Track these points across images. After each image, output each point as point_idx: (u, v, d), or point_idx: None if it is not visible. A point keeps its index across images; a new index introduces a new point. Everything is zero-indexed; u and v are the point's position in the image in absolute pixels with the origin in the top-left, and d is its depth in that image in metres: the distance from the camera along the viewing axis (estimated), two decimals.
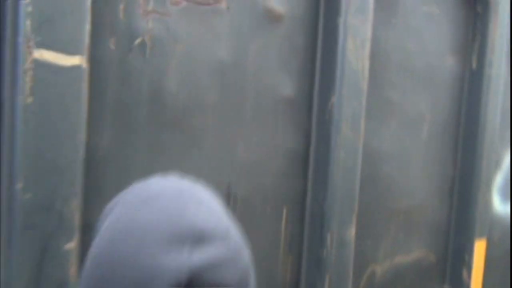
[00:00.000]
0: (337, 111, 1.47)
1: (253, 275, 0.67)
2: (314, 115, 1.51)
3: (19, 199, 0.95)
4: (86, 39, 1.00)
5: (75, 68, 0.99)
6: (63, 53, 0.97)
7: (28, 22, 0.93)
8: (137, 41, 1.16)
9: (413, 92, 1.78)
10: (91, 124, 1.06)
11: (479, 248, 2.06)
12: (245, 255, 0.65)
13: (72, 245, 1.02)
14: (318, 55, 1.50)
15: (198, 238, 0.58)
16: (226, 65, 1.31)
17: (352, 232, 1.54)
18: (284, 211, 1.50)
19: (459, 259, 1.99)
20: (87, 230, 1.06)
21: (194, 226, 0.59)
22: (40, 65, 0.95)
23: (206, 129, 1.29)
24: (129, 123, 1.15)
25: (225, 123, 1.33)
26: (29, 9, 0.92)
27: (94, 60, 1.09)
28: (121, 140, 1.13)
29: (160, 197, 0.62)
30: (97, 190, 1.10)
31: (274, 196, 1.46)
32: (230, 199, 1.36)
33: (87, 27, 1.00)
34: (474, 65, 1.95)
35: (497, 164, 2.19)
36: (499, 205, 2.26)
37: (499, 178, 2.23)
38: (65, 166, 1.00)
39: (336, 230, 1.50)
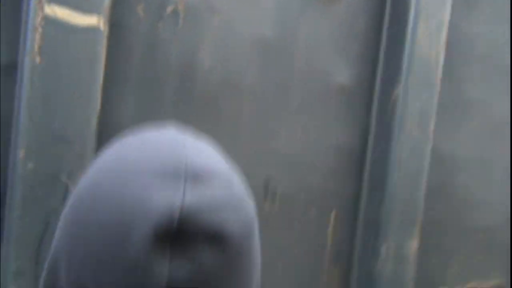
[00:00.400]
0: (401, 105, 1.26)
1: (258, 238, 0.52)
2: (374, 108, 1.31)
3: (20, 168, 0.87)
4: None
5: (91, 29, 0.90)
6: (79, 11, 0.89)
7: None
8: (169, 8, 1.05)
9: (498, 90, 1.51)
10: (108, 95, 0.96)
11: None
12: (251, 207, 0.50)
13: None
14: (383, 38, 1.30)
15: (196, 176, 0.46)
16: (270, 43, 1.16)
17: (413, 245, 1.31)
18: (332, 215, 1.31)
19: None
20: None
21: (192, 163, 0.46)
22: (52, 22, 0.86)
23: (242, 113, 1.15)
24: (153, 100, 1.04)
25: (265, 109, 1.18)
26: None
27: (117, 25, 1.00)
28: (142, 117, 1.02)
29: (154, 140, 0.50)
30: None
31: (321, 197, 1.28)
32: (267, 193, 1.20)
33: None
34: None
35: None
36: None
37: None
38: (74, 136, 0.91)
39: (394, 242, 1.28)
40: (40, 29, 0.86)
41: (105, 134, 0.97)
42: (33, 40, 0.86)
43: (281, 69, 1.19)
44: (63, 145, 0.90)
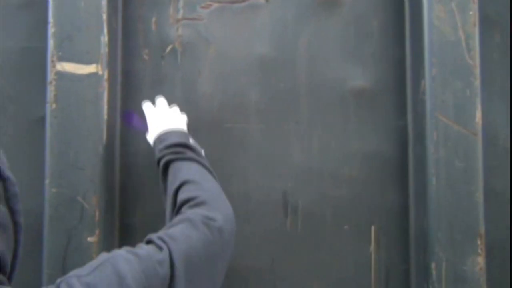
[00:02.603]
0: (430, 97, 1.12)
1: None
2: (409, 105, 1.19)
3: (46, 192, 1.08)
4: (102, 49, 1.11)
5: (93, 76, 1.10)
6: (81, 63, 1.10)
7: (52, 41, 1.10)
8: (168, 48, 1.20)
9: None
10: (114, 128, 1.14)
11: None
12: None
13: (93, 238, 1.08)
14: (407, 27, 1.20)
15: None
16: (268, 62, 1.20)
17: (476, 262, 1.09)
18: (372, 230, 1.19)
19: None
20: (108, 226, 1.11)
21: None
22: (62, 75, 1.10)
23: (250, 131, 1.19)
24: None
25: (274, 124, 1.19)
26: (53, 30, 1.10)
27: (127, 71, 1.19)
28: (148, 146, 1.16)
29: None
30: (122, 190, 1.15)
31: (353, 210, 1.19)
32: (288, 208, 1.18)
33: (103, 38, 1.11)
34: None
35: None
36: None
37: None
38: (86, 164, 1.09)
39: (446, 259, 1.09)
40: (54, 82, 1.10)
41: (111, 161, 1.13)
42: (50, 91, 1.10)
43: (285, 83, 1.20)
44: (77, 172, 1.09)
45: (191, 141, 1.02)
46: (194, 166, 0.93)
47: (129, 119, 1.19)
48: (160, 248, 0.69)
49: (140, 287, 0.62)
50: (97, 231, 1.08)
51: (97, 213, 1.09)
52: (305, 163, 1.19)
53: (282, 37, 1.21)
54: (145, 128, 1.13)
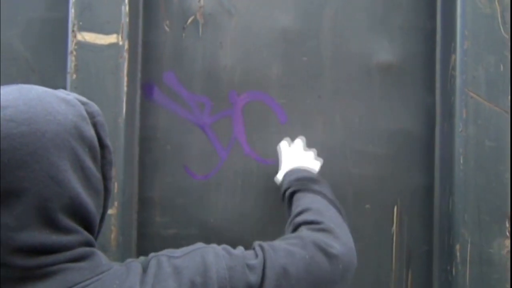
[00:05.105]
0: (460, 72, 1.07)
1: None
2: (438, 81, 1.14)
3: None
4: (123, 19, 1.09)
5: (113, 46, 1.09)
6: (102, 33, 1.09)
7: (72, 11, 1.09)
8: (190, 20, 1.17)
9: None
10: (134, 100, 1.13)
11: None
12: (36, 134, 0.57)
13: (112, 211, 1.08)
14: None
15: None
16: (292, 34, 1.16)
17: (503, 245, 1.04)
18: (395, 211, 1.15)
19: None
20: (127, 199, 1.11)
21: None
22: (82, 45, 1.09)
23: (269, 106, 1.16)
24: (179, 100, 1.16)
25: (295, 99, 1.16)
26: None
27: (148, 42, 1.17)
28: (169, 118, 1.15)
29: None
30: (141, 163, 1.15)
31: (376, 190, 1.15)
32: None
33: (124, 8, 1.09)
34: None
35: None
36: None
37: None
38: None
39: (472, 241, 1.05)
40: (74, 52, 1.09)
41: (131, 134, 1.12)
42: (70, 61, 1.09)
43: (309, 57, 1.16)
44: None
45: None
46: (317, 197, 0.91)
47: (150, 92, 1.18)
48: (256, 255, 0.68)
49: (221, 283, 0.61)
50: (115, 203, 1.08)
51: (116, 186, 1.08)
52: (326, 139, 1.16)
53: (306, 9, 1.16)
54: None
